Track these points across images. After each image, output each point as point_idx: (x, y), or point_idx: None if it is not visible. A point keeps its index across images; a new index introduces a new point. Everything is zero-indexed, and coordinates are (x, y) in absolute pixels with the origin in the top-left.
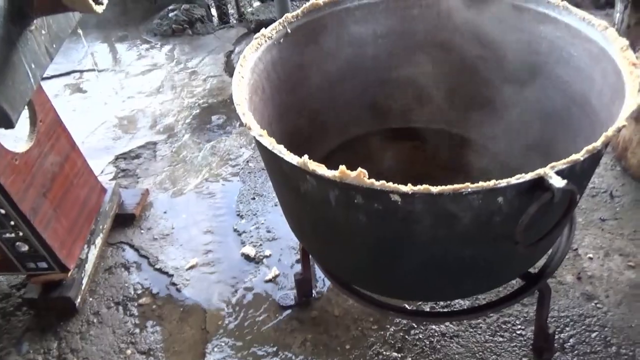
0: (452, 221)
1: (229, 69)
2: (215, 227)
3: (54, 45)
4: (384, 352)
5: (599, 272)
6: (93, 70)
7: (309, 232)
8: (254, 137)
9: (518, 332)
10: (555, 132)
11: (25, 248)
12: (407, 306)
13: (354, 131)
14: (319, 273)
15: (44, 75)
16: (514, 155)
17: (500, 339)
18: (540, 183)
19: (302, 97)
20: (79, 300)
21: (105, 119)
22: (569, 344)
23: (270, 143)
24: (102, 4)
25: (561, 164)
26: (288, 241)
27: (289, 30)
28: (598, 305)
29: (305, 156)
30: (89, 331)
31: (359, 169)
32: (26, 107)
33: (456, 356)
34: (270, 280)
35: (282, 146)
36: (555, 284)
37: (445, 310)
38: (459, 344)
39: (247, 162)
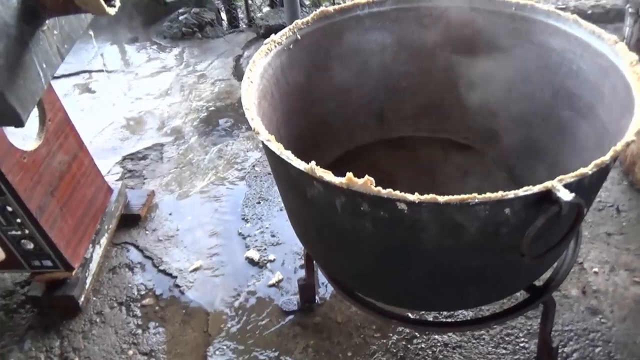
0: (459, 231)
1: (238, 72)
2: (220, 230)
3: (66, 46)
4: None
5: (604, 287)
6: (102, 71)
7: (314, 238)
8: (262, 142)
9: (521, 344)
10: (562, 144)
11: (30, 246)
12: (410, 315)
13: (361, 139)
14: (322, 279)
15: (54, 75)
16: (521, 167)
17: (503, 351)
18: (548, 196)
19: (310, 104)
20: (82, 299)
21: (113, 119)
22: (572, 358)
23: (278, 148)
24: (114, 6)
25: (569, 177)
26: (292, 246)
27: (298, 37)
28: (602, 320)
29: (313, 162)
30: (92, 331)
31: (366, 176)
32: (36, 106)
33: None
34: (273, 285)
35: (289, 152)
36: (560, 297)
37: (449, 320)
38: (461, 354)
39: (254, 166)
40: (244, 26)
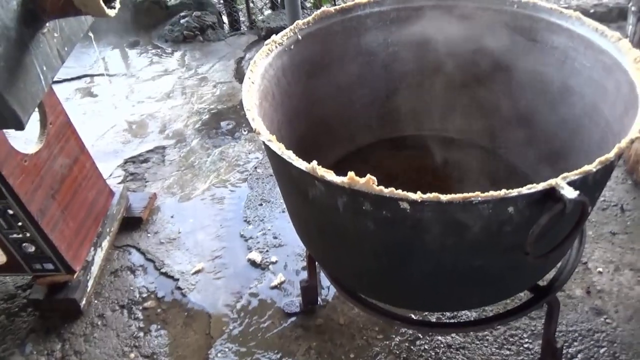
0: (462, 230)
1: (239, 75)
2: (222, 232)
3: (66, 48)
4: None
5: (609, 287)
6: (104, 74)
7: (315, 238)
8: (263, 142)
9: (525, 345)
10: (566, 142)
11: (32, 249)
12: (413, 316)
13: (363, 139)
14: (324, 281)
15: (55, 79)
16: (524, 166)
17: (507, 352)
18: (552, 194)
19: (311, 104)
20: (84, 302)
21: (115, 122)
22: (577, 359)
23: (279, 148)
24: (114, 7)
25: (573, 175)
26: (294, 248)
27: (299, 37)
28: (607, 321)
29: (314, 162)
30: (93, 334)
31: (368, 175)
32: (37, 109)
33: None
34: (275, 287)
35: (291, 152)
36: (564, 297)
37: (452, 321)
38: (465, 355)
39: (255, 168)
40: (245, 29)
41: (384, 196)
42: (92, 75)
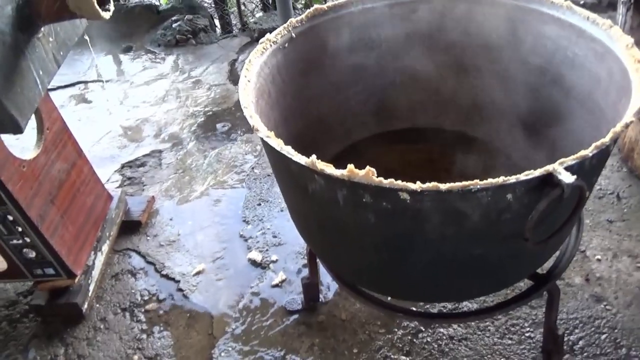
0: (461, 219)
1: (233, 77)
2: (221, 233)
3: (61, 53)
4: (392, 356)
5: (608, 274)
6: (98, 81)
7: (316, 233)
8: (262, 139)
9: (527, 334)
10: (561, 131)
11: (32, 254)
12: (414, 308)
13: (359, 134)
14: (325, 278)
15: (49, 86)
16: (521, 156)
17: (509, 342)
18: (550, 179)
19: (307, 101)
20: (85, 306)
21: (110, 128)
22: (578, 346)
23: (278, 144)
24: (108, 10)
25: (570, 160)
26: (294, 246)
27: (293, 35)
28: (607, 307)
29: (314, 156)
30: (96, 337)
31: (367, 167)
32: (33, 115)
33: (465, 359)
34: (277, 285)
35: (289, 147)
36: (564, 286)
37: (454, 312)
38: (467, 346)
39: (253, 168)
40: (238, 31)
41: (383, 187)
42: (86, 82)
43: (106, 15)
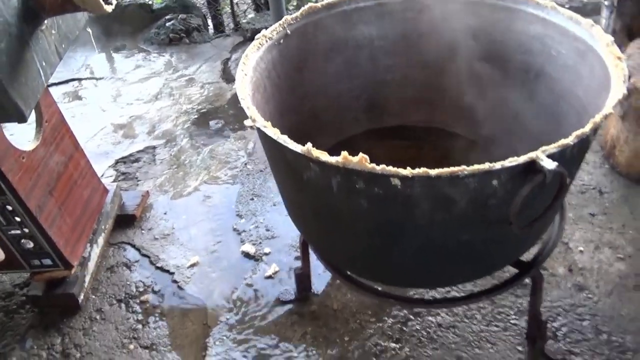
0: (450, 205)
1: (226, 75)
2: (215, 227)
3: (63, 45)
4: (382, 343)
5: (590, 264)
6: (92, 78)
7: (310, 221)
8: (259, 129)
9: (512, 322)
10: (544, 126)
11: (30, 245)
12: (405, 295)
13: (352, 130)
14: (317, 270)
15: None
16: (507, 151)
17: (495, 329)
18: (532, 166)
19: (301, 97)
20: (82, 297)
21: (104, 125)
22: (561, 332)
23: (274, 133)
24: (111, 3)
25: (552, 148)
26: (287, 239)
27: (288, 32)
28: (589, 295)
29: (309, 144)
30: (92, 327)
31: (361, 154)
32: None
33: (452, 345)
34: (270, 277)
35: (286, 136)
36: (548, 276)
37: (443, 297)
38: (455, 334)
39: (245, 164)
40: (231, 31)
41: (376, 173)
42: (79, 79)
43: (109, 8)
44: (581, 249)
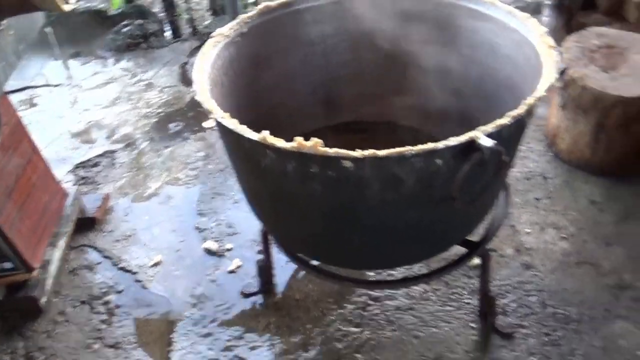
0: (398, 185)
1: (184, 79)
2: (177, 226)
3: (21, 46)
4: (344, 329)
5: (536, 245)
6: (47, 85)
7: (268, 210)
8: (217, 120)
9: (465, 301)
10: (488, 114)
11: None
12: (363, 277)
13: (308, 126)
14: (280, 262)
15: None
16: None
17: (450, 308)
18: (472, 144)
19: (258, 93)
20: (44, 300)
21: (61, 131)
22: (510, 307)
23: (232, 124)
24: (69, 2)
25: (489, 127)
26: (249, 235)
27: (244, 30)
28: (535, 273)
29: (265, 131)
30: (56, 330)
31: (314, 139)
32: None
33: (410, 326)
34: (232, 272)
35: (244, 126)
36: (497, 256)
37: (398, 278)
38: (412, 315)
39: (206, 164)
40: (188, 35)
41: (329, 156)
42: (34, 87)
43: (67, 7)
44: (528, 230)
